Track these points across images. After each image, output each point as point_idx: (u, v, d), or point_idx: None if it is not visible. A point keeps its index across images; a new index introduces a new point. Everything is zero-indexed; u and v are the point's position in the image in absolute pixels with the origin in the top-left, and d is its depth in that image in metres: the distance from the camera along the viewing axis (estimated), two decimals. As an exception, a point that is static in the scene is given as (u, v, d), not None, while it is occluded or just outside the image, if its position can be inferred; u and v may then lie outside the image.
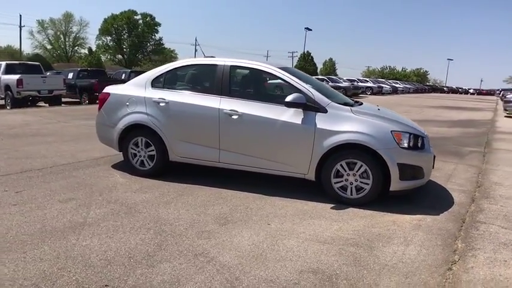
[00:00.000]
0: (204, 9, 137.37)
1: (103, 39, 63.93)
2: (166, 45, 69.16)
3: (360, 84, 32.57)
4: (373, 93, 32.12)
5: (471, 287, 2.40)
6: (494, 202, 4.03)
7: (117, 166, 4.90)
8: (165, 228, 3.05)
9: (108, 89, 4.69)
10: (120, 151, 4.62)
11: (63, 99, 14.49)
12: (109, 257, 2.54)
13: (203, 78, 4.53)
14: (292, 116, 3.78)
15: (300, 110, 3.76)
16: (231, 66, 4.14)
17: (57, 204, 3.49)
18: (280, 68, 4.11)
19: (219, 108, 4.00)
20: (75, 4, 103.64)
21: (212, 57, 4.70)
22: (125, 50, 66.22)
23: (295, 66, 72.10)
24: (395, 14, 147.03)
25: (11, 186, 3.94)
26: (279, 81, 4.16)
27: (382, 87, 35.27)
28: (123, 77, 18.77)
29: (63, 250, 2.61)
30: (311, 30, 58.54)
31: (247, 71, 4.38)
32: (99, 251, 2.62)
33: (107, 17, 62.49)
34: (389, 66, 74.70)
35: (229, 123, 3.97)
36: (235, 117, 3.94)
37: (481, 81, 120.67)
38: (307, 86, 3.87)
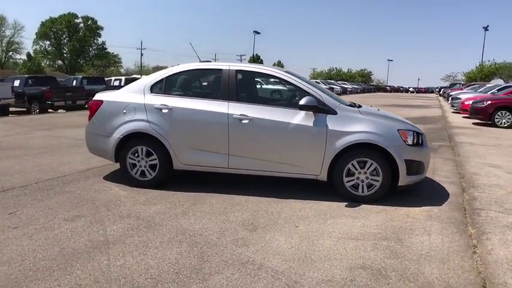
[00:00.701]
0: (148, 12, 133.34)
1: (41, 43, 59.49)
2: (110, 50, 66.14)
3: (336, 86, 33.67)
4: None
5: (499, 267, 2.64)
6: (481, 190, 4.44)
7: (109, 178, 4.63)
8: (197, 239, 2.96)
9: (101, 96, 4.42)
10: (116, 162, 4.36)
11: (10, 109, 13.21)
12: (154, 275, 2.41)
13: (207, 83, 4.46)
14: (303, 119, 3.86)
15: (311, 112, 3.85)
16: (237, 70, 4.11)
17: (65, 223, 3.21)
18: (286, 72, 4.17)
19: (228, 113, 3.95)
20: (8, 6, 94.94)
21: (208, 61, 4.64)
22: (65, 55, 62.24)
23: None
24: (339, 17, 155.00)
25: None
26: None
27: (333, 88, 36.91)
28: (74, 83, 17.68)
29: (100, 273, 2.42)
30: (259, 33, 59.44)
31: (253, 76, 4.38)
32: (139, 270, 2.47)
33: (44, 21, 58.26)
34: (336, 68, 78.30)
35: (239, 128, 3.94)
36: (245, 121, 3.92)
37: (418, 80, 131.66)
38: (316, 89, 3.97)
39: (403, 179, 3.86)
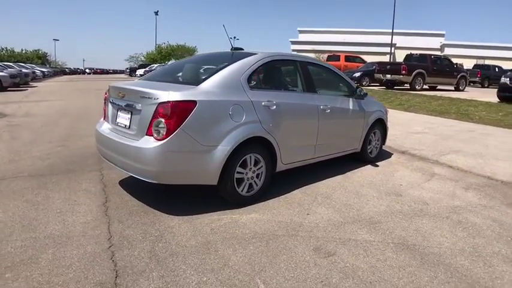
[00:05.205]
0: None
1: None
2: None
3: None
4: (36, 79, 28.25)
5: (473, 168, 5.23)
6: (392, 141, 7.09)
7: (172, 211, 3.45)
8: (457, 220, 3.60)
9: (186, 95, 3.17)
10: (216, 183, 3.38)
11: None
12: None
13: (291, 75, 4.25)
14: (353, 105, 4.87)
15: (354, 98, 4.90)
16: (308, 62, 4.38)
17: (328, 260, 2.74)
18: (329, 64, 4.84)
19: (317, 105, 4.24)
20: None
21: (241, 48, 4.38)
22: None
23: None
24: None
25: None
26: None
27: (35, 72, 31.02)
28: None
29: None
30: None
31: (318, 68, 4.61)
32: None
33: None
34: (7, 48, 63.78)
35: (324, 118, 4.38)
36: (328, 111, 4.38)
37: (84, 60, 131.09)
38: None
39: (385, 140, 5.80)
